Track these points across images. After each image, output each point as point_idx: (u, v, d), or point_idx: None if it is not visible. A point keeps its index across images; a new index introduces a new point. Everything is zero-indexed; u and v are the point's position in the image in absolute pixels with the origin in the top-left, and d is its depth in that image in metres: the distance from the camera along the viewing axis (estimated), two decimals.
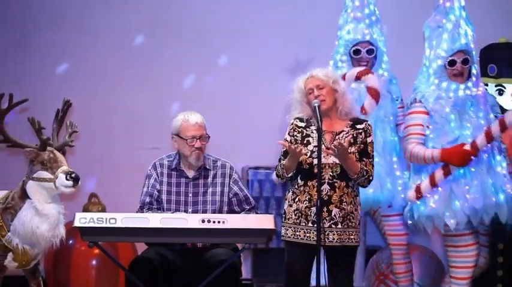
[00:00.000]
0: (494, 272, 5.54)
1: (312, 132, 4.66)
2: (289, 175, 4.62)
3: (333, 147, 4.46)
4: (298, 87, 4.71)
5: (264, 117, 6.34)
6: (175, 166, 4.87)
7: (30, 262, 4.66)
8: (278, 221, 4.66)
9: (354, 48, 5.41)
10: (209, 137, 4.84)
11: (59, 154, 4.55)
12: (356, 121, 4.71)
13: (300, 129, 4.70)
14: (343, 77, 5.32)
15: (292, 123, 4.73)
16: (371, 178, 4.63)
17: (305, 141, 4.64)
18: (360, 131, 4.66)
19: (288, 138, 4.71)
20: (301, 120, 4.72)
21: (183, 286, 4.73)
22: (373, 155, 4.69)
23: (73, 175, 4.44)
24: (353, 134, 4.65)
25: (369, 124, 4.71)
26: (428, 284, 5.68)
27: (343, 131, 4.66)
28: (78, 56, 6.77)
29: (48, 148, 4.54)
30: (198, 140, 4.78)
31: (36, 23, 6.77)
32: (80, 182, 4.47)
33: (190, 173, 4.86)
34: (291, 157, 4.55)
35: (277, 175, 4.71)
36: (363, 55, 5.41)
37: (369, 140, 4.66)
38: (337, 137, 4.64)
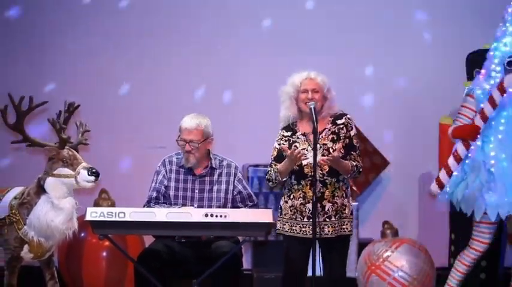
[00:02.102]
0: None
1: (298, 137, 4.71)
2: (283, 179, 4.67)
3: (326, 160, 4.52)
4: (293, 83, 4.74)
5: (264, 118, 6.36)
6: (183, 163, 4.92)
7: (45, 253, 4.72)
8: (276, 216, 4.72)
9: (508, 60, 5.27)
10: (206, 140, 4.85)
11: (75, 152, 4.62)
12: (336, 117, 4.75)
13: (286, 138, 4.75)
14: (501, 84, 5.15)
15: (280, 134, 4.78)
16: (361, 169, 4.71)
17: (293, 147, 4.68)
18: (341, 126, 4.70)
19: (278, 147, 4.76)
20: (286, 130, 4.77)
21: (188, 276, 4.75)
22: (358, 147, 4.74)
23: (94, 171, 4.52)
24: (334, 131, 4.70)
25: (348, 118, 4.75)
26: (417, 274, 5.72)
27: (325, 129, 4.71)
28: (89, 58, 6.80)
29: (68, 143, 4.61)
30: (187, 144, 4.83)
31: (50, 28, 6.80)
32: (99, 178, 4.56)
33: (198, 171, 4.91)
34: (288, 162, 4.58)
35: (268, 180, 4.75)
36: None
37: (352, 133, 4.71)
38: (320, 136, 4.67)
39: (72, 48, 6.79)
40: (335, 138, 4.69)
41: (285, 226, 4.72)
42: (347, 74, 6.74)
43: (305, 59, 6.60)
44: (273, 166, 4.71)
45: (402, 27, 6.82)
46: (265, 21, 6.84)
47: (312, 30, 6.83)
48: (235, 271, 4.70)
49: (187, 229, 4.27)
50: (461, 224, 5.70)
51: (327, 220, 4.65)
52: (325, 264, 4.70)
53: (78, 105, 4.77)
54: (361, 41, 6.83)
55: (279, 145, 4.75)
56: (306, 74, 4.74)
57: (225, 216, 4.19)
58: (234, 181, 4.92)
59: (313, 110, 4.59)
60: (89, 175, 4.52)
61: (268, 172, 4.75)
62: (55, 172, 4.57)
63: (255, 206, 4.95)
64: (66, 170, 4.56)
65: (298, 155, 4.52)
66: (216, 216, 4.18)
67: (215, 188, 4.90)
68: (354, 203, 6.08)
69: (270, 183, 4.77)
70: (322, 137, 4.70)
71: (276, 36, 6.85)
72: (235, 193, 4.91)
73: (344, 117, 4.75)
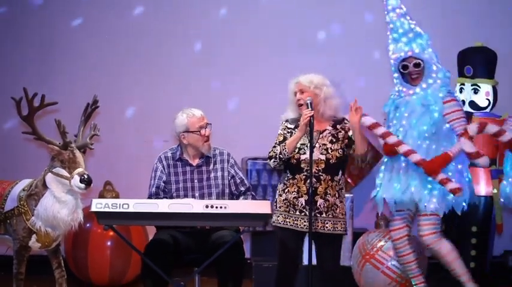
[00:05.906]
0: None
1: None
2: (288, 155, 4.66)
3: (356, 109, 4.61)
4: (290, 89, 4.84)
5: (262, 113, 6.37)
6: (178, 156, 4.92)
7: (52, 243, 4.75)
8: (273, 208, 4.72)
9: (401, 64, 5.17)
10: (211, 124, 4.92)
11: (78, 154, 4.63)
12: (337, 121, 4.80)
13: (289, 130, 4.78)
14: None
15: (284, 124, 4.83)
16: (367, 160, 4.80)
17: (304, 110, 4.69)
18: (339, 130, 4.75)
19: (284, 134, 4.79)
20: (290, 122, 4.81)
21: (192, 263, 4.78)
22: None
23: (86, 179, 4.51)
24: (334, 133, 4.75)
25: (346, 120, 4.78)
26: None
27: (326, 129, 4.75)
28: (97, 60, 6.81)
29: (69, 147, 4.61)
30: (206, 129, 4.86)
31: (61, 30, 6.82)
32: (92, 185, 4.56)
33: (194, 162, 4.92)
34: (298, 132, 4.62)
35: (271, 157, 4.75)
36: (411, 69, 5.02)
37: (350, 133, 4.75)
38: (320, 135, 4.73)
39: (85, 51, 6.81)
40: (334, 140, 4.74)
41: (279, 218, 4.76)
42: (340, 72, 6.72)
43: (302, 56, 6.63)
44: (277, 147, 4.73)
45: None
46: (266, 21, 6.82)
47: (308, 26, 6.81)
48: (238, 259, 4.69)
49: (188, 219, 4.26)
50: (450, 215, 5.69)
51: (318, 215, 4.67)
52: (318, 257, 4.72)
53: (98, 106, 4.80)
54: (352, 41, 6.82)
55: (284, 134, 4.79)
56: (295, 79, 4.83)
57: (225, 207, 4.18)
58: (227, 167, 4.93)
59: (309, 105, 4.64)
60: (80, 181, 4.52)
61: (271, 151, 4.76)
62: (54, 171, 4.60)
63: (249, 190, 4.94)
64: (63, 172, 4.58)
65: (307, 114, 4.56)
66: (216, 207, 4.17)
67: (212, 175, 4.90)
68: (348, 195, 6.11)
69: (272, 160, 4.75)
70: (322, 136, 4.74)
71: (275, 34, 6.83)
72: (229, 177, 4.92)
73: (342, 122, 4.80)
